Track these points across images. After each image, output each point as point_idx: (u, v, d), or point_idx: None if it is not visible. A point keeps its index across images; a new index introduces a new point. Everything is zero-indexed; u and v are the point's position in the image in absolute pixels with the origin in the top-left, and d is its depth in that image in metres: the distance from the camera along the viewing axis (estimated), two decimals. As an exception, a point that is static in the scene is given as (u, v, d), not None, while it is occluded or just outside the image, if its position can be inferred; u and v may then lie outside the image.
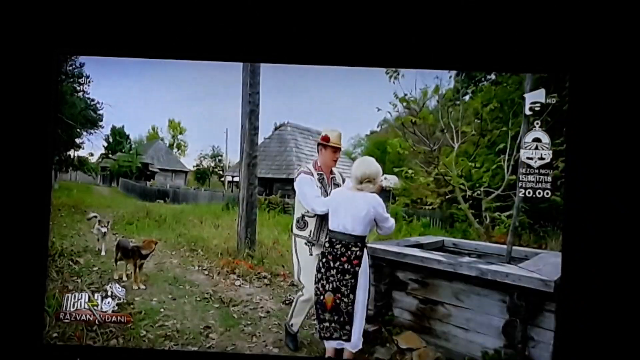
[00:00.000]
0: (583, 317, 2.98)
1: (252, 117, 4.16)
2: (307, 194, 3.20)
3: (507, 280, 2.88)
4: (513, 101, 3.50)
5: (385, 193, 4.58)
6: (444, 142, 3.95)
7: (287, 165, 4.71)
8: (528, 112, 3.14)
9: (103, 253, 3.86)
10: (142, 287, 3.59)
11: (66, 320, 3.20)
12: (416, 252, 3.41)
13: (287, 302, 3.68)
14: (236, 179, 4.74)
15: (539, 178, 3.10)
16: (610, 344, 2.98)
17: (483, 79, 3.78)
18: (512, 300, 2.90)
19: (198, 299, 3.64)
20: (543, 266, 3.03)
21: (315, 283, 3.01)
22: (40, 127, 3.22)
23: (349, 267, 2.92)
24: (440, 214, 4.19)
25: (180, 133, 4.82)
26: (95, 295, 3.27)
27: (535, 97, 3.14)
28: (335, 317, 2.95)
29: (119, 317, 3.25)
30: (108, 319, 3.24)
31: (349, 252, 2.92)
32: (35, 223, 3.19)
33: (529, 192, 3.11)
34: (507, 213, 3.62)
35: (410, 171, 4.06)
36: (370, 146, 4.60)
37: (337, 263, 2.93)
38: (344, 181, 3.35)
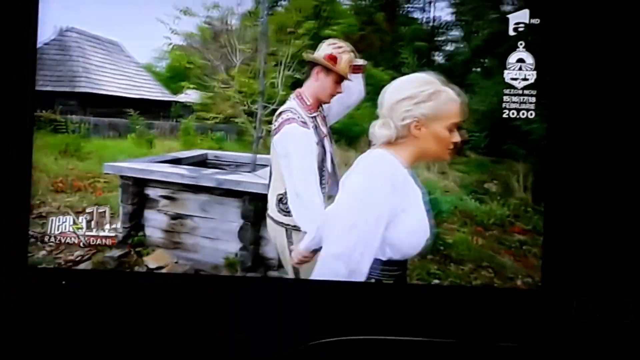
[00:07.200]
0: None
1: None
2: (306, 171, 2.28)
3: (239, 188, 2.97)
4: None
5: (186, 108, 4.48)
6: (227, 58, 3.87)
7: (72, 76, 4.35)
8: (512, 33, 2.99)
9: None
10: None
11: (51, 243, 2.95)
12: (161, 167, 3.36)
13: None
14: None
15: (523, 99, 3.01)
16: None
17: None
18: (244, 205, 3.00)
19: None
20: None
21: None
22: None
23: None
24: (236, 128, 4.15)
25: None
26: (80, 218, 3.01)
27: (519, 18, 3.01)
28: None
29: (104, 240, 3.03)
30: (93, 241, 3.00)
31: None
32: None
33: (513, 113, 3.01)
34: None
35: (191, 86, 3.96)
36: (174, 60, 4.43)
37: None
38: None
